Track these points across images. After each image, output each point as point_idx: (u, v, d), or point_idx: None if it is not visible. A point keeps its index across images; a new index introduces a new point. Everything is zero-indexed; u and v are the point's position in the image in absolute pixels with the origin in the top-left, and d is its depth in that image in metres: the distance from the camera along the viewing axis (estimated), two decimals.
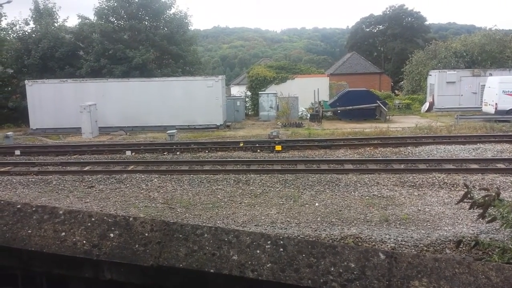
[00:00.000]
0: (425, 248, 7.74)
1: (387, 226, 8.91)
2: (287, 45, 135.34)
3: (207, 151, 17.56)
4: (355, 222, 9.26)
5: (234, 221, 9.53)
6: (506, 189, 11.00)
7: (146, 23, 33.73)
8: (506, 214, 4.45)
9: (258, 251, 1.56)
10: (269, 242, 1.59)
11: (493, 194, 3.82)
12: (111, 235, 1.67)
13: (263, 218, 9.68)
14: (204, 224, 1.84)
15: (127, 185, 12.81)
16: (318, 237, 8.36)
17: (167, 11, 34.01)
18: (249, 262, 1.52)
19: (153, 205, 10.99)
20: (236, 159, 15.82)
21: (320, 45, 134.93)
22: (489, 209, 4.20)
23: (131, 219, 1.74)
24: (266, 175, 13.21)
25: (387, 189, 11.69)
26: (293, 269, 1.52)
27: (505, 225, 5.11)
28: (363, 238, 8.21)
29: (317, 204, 10.64)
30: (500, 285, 1.58)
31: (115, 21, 33.51)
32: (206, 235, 1.64)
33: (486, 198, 3.96)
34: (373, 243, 7.98)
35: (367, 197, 11.08)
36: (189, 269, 1.58)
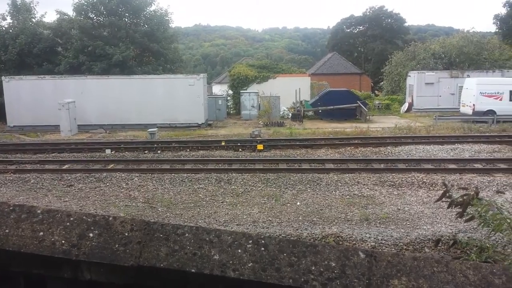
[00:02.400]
0: (405, 247, 7.85)
1: (368, 225, 9.01)
2: (268, 44, 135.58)
3: (188, 150, 17.46)
4: (336, 221, 9.33)
5: (216, 220, 9.51)
6: (484, 188, 11.22)
7: (126, 19, 33.38)
8: (484, 213, 4.54)
9: (239, 251, 1.56)
10: (250, 241, 1.59)
11: (472, 193, 3.89)
12: (91, 234, 1.65)
13: (244, 217, 9.68)
14: (185, 224, 1.82)
15: (107, 184, 12.65)
16: (300, 236, 8.40)
17: (148, 8, 33.76)
18: (231, 262, 1.52)
19: (133, 204, 10.88)
20: (218, 158, 15.78)
21: (302, 45, 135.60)
22: (468, 208, 4.29)
23: (110, 218, 1.72)
24: (248, 174, 13.21)
25: (368, 188, 11.82)
26: (274, 268, 1.53)
27: (482, 224, 5.21)
28: (344, 237, 8.28)
29: (298, 203, 10.69)
30: (477, 284, 1.61)
31: (95, 17, 33.08)
32: (187, 234, 1.63)
33: (465, 197, 4.03)
34: (354, 242, 8.06)
35: (347, 196, 11.18)
36: (170, 269, 1.57)
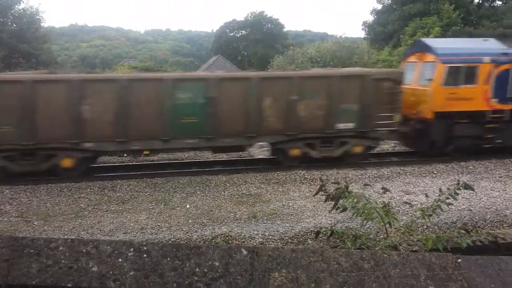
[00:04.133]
0: (290, 240, 8.24)
1: (256, 222, 9.28)
2: (152, 46, 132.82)
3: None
4: (225, 221, 9.45)
5: (100, 230, 9.03)
6: (357, 181, 12.26)
7: None
8: (355, 204, 4.98)
9: (120, 260, 1.50)
10: (131, 249, 1.54)
11: (342, 186, 4.24)
12: None
13: (132, 224, 9.34)
14: (59, 237, 1.70)
15: None
16: (190, 239, 8.36)
17: (16, 6, 31.02)
18: (111, 272, 1.46)
19: (5, 219, 9.85)
20: (100, 164, 15.02)
21: (186, 47, 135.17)
22: (341, 200, 4.67)
23: None
24: (134, 180, 12.77)
25: (255, 186, 12.17)
26: (157, 274, 1.49)
27: (355, 214, 5.72)
28: (233, 235, 8.43)
29: (188, 206, 10.62)
30: (349, 269, 1.76)
31: None
32: (61, 248, 1.53)
33: (337, 191, 4.39)
34: (243, 240, 8.24)
35: (236, 196, 11.39)
36: (44, 286, 1.46)
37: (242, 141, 13.76)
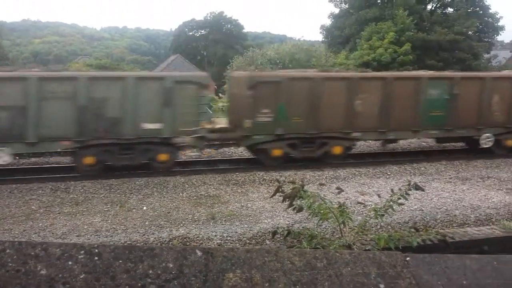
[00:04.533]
0: (248, 241, 8.26)
1: (214, 224, 9.24)
2: (108, 44, 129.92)
3: (17, 157, 15.65)
4: (183, 222, 9.36)
5: (52, 233, 8.72)
6: (314, 182, 12.46)
7: None
8: (311, 205, 5.08)
9: (70, 263, 1.46)
10: (82, 251, 1.50)
11: (298, 186, 4.31)
12: None
13: (85, 227, 9.07)
14: (7, 240, 1.65)
15: None
16: (146, 241, 8.22)
17: None
18: (60, 275, 1.42)
19: None
20: (54, 165, 14.52)
21: (144, 46, 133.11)
22: (297, 200, 4.75)
23: None
24: (88, 181, 12.42)
25: (213, 188, 12.13)
26: (109, 277, 1.47)
27: (311, 214, 5.82)
28: (191, 237, 8.36)
29: (145, 208, 10.44)
30: (302, 268, 1.79)
31: None
32: (8, 250, 1.47)
33: (293, 190, 4.45)
34: (201, 242, 8.19)
35: (194, 197, 11.31)
36: None
37: (472, 132, 15.95)
